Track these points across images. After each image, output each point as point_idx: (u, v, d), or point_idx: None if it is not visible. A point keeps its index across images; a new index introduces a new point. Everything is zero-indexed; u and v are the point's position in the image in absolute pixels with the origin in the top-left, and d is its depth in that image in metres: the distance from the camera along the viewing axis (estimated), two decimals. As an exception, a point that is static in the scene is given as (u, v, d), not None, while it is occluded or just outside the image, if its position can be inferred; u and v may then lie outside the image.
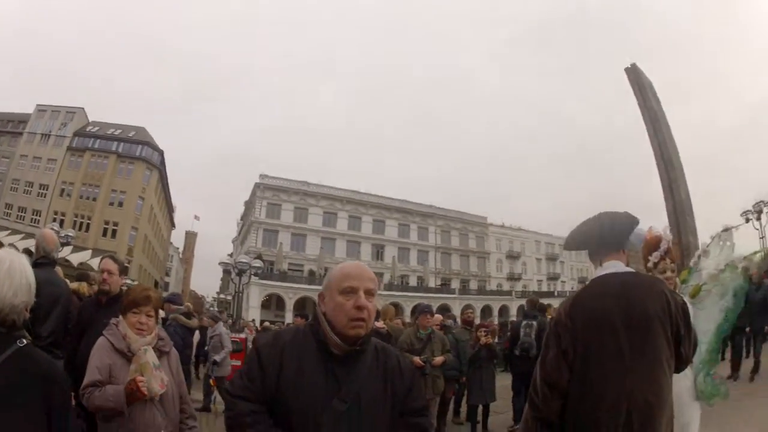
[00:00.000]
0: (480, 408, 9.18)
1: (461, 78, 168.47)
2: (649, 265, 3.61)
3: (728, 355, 10.33)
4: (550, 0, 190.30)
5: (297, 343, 2.10)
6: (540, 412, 2.45)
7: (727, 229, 5.18)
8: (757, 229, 24.19)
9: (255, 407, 1.98)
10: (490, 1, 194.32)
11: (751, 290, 9.53)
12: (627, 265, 2.71)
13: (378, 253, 61.55)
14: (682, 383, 2.88)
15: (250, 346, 12.56)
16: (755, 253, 6.24)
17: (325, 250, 56.18)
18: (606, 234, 2.74)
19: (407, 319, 16.93)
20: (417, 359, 7.23)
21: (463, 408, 9.92)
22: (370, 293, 2.10)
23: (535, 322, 8.86)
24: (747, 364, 9.93)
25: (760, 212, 23.98)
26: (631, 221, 2.86)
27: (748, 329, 10.02)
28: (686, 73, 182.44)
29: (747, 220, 24.24)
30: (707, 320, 4.23)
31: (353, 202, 60.94)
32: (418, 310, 8.45)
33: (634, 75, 21.73)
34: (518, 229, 75.27)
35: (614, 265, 2.63)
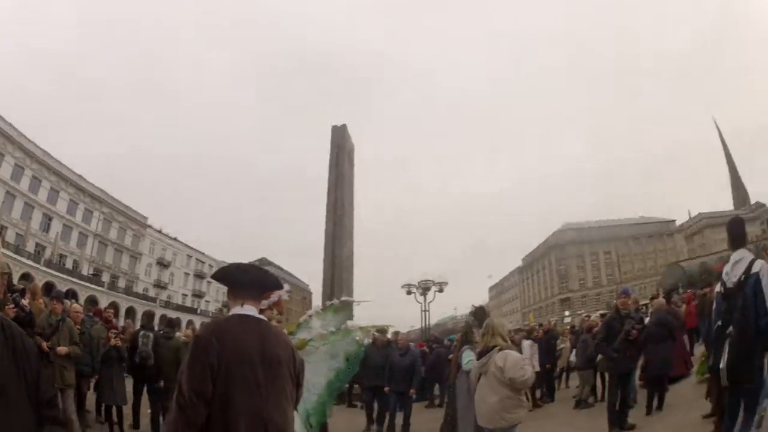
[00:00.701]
0: (114, 409, 9.34)
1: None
2: None
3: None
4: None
5: None
6: (188, 417, 2.65)
7: (345, 301, 6.28)
8: (420, 303, 27.06)
9: None
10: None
11: (395, 354, 10.69)
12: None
13: (47, 224, 55.63)
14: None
15: None
16: (373, 326, 7.44)
17: (5, 204, 49.44)
18: (261, 283, 3.22)
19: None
20: (44, 344, 7.09)
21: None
22: None
23: (152, 334, 9.71)
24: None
25: (427, 289, 27.04)
26: (279, 284, 3.56)
27: (387, 389, 10.62)
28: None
29: (408, 293, 27.18)
30: (315, 374, 4.86)
31: (38, 161, 54.33)
32: (52, 295, 8.51)
33: (339, 134, 23.49)
34: (174, 238, 74.71)
35: (252, 310, 3.06)
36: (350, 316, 6.09)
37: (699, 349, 11.49)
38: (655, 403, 9.18)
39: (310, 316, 5.94)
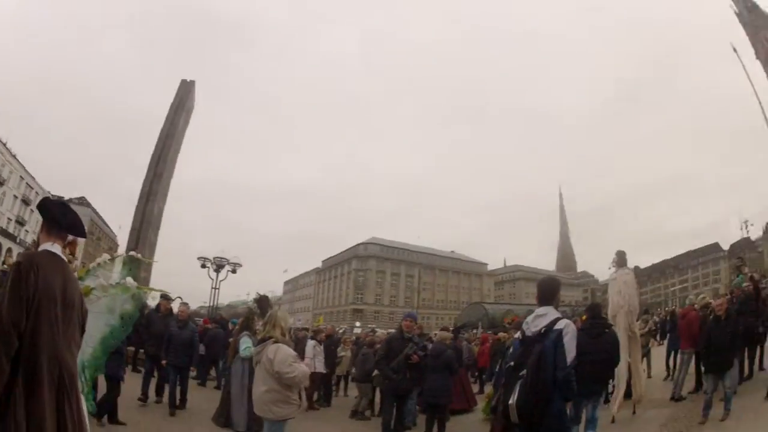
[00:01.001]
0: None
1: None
2: None
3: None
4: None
5: None
6: (5, 347, 2.71)
7: (132, 256, 6.11)
8: (212, 279, 26.79)
9: None
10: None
11: (174, 326, 10.39)
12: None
13: None
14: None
15: None
16: (151, 288, 7.35)
17: None
18: (73, 227, 3.44)
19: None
20: None
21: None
22: None
23: None
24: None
25: (221, 266, 26.77)
26: (85, 233, 3.73)
27: (164, 362, 10.32)
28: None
29: (203, 266, 26.76)
30: (92, 326, 4.49)
31: None
32: None
33: (185, 89, 23.04)
34: (14, 156, 68.36)
35: (59, 250, 3.23)
36: (134, 274, 5.87)
37: (488, 389, 12.03)
38: (435, 429, 9.35)
39: (99, 264, 5.72)
